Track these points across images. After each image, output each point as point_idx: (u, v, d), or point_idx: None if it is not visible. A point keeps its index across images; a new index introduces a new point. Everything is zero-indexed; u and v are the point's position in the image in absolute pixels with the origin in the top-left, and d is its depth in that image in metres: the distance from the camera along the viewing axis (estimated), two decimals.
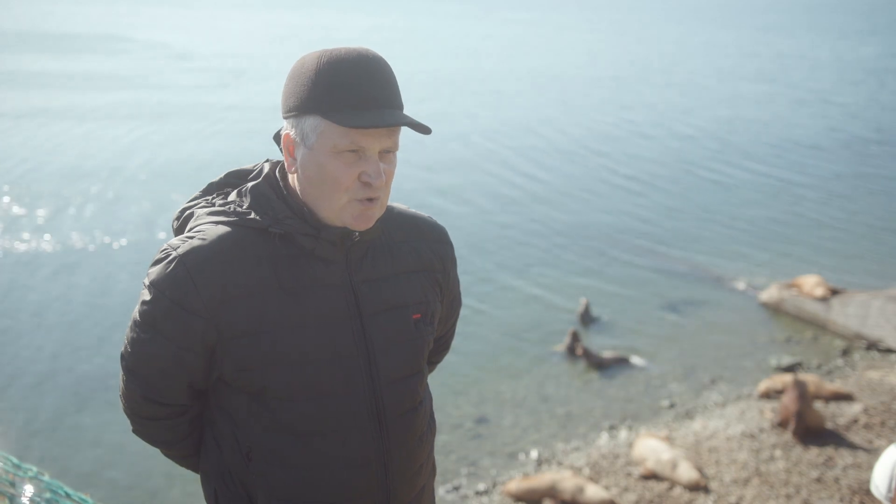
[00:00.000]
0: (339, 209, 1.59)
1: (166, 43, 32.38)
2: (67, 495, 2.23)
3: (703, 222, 11.94)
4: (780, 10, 65.01)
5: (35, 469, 2.28)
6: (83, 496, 2.28)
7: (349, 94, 1.52)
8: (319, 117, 1.54)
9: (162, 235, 10.60)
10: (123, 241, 10.53)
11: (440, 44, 35.19)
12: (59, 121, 17.35)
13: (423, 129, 1.56)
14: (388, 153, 1.59)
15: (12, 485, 2.18)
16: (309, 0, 62.02)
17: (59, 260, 9.90)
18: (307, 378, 1.61)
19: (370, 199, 1.58)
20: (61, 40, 31.47)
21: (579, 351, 7.80)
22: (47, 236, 10.59)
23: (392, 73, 1.60)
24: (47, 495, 2.20)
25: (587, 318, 8.70)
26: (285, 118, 1.62)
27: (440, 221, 1.89)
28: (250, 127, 17.24)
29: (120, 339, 8.51)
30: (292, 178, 1.65)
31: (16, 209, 11.59)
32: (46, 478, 2.27)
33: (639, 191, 13.51)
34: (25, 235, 10.62)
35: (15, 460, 2.31)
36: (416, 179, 13.35)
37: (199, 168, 13.75)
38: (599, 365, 7.74)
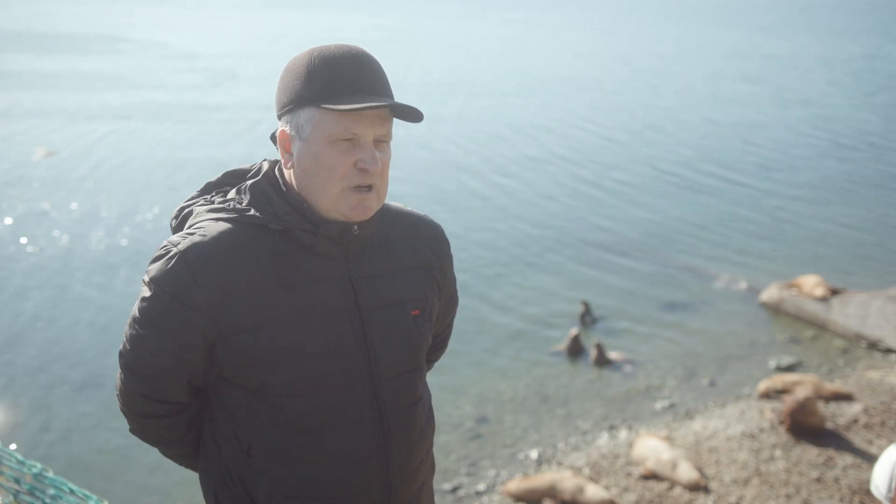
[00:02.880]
0: (336, 199, 1.60)
1: (163, 42, 32.37)
2: (72, 492, 2.23)
3: (703, 222, 11.93)
4: (779, 10, 65.03)
5: (39, 465, 2.28)
6: (87, 492, 2.29)
7: (341, 83, 1.56)
8: (313, 108, 1.57)
9: (161, 233, 10.60)
10: (124, 240, 10.52)
11: (437, 44, 35.17)
12: (58, 121, 17.34)
13: (415, 116, 1.58)
14: (383, 142, 1.61)
15: (17, 481, 2.19)
16: (307, 0, 61.96)
17: (62, 259, 9.90)
18: (307, 374, 1.61)
19: (367, 188, 1.60)
20: (57, 40, 31.44)
21: (594, 352, 7.79)
22: (47, 235, 10.59)
23: (381, 66, 1.63)
24: (52, 492, 2.20)
25: (587, 319, 8.70)
26: (280, 116, 1.64)
27: (437, 220, 1.90)
28: (248, 126, 17.24)
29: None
30: (289, 174, 1.66)
31: (16, 209, 11.59)
32: (50, 474, 2.28)
33: (639, 191, 13.51)
34: (26, 235, 10.62)
35: (19, 457, 2.31)
36: (414, 178, 13.35)
37: (196, 167, 13.74)
38: (607, 365, 7.74)
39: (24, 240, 10.49)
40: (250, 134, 16.67)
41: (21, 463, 2.27)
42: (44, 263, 9.80)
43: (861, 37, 42.39)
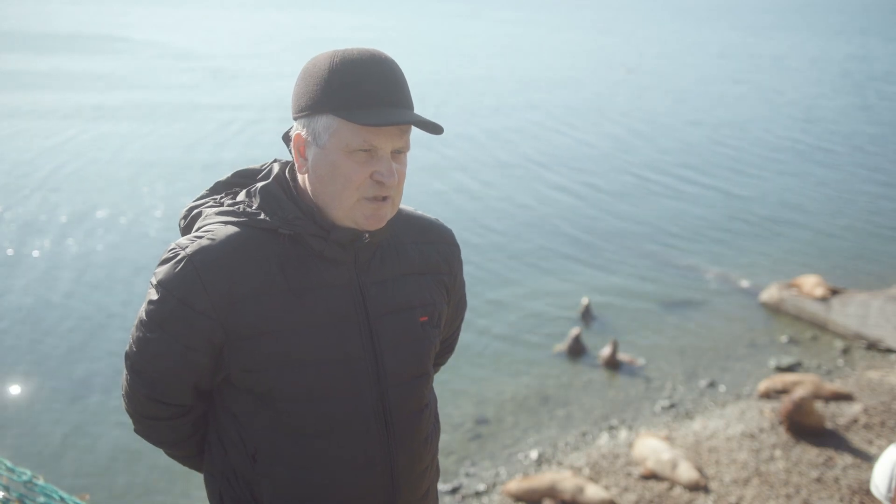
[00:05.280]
0: (350, 208, 1.58)
1: (157, 42, 32.28)
2: (62, 500, 2.22)
3: (703, 222, 11.94)
4: (776, 10, 64.99)
5: (29, 473, 2.27)
6: (77, 500, 2.28)
7: (362, 93, 1.53)
8: (332, 116, 1.54)
9: (161, 233, 10.60)
10: (121, 241, 10.52)
11: (430, 44, 35.10)
12: (57, 121, 17.33)
13: (435, 129, 1.56)
14: (400, 153, 1.59)
15: (6, 489, 2.18)
16: (301, 1, 61.81)
17: (57, 260, 9.89)
18: (314, 379, 1.61)
19: (382, 198, 1.59)
20: (51, 40, 31.39)
21: (609, 349, 7.74)
22: (45, 235, 10.58)
23: (402, 73, 1.60)
24: (42, 499, 2.19)
25: (588, 318, 8.70)
26: (296, 118, 1.62)
27: (442, 222, 1.89)
28: (245, 127, 17.23)
29: (119, 338, 8.45)
30: (302, 179, 1.65)
31: (16, 210, 11.58)
32: (41, 482, 2.26)
33: (638, 191, 13.51)
34: (20, 235, 10.61)
35: (8, 464, 2.30)
36: (412, 179, 13.34)
37: (194, 168, 13.74)
38: (609, 365, 7.72)
39: (18, 241, 10.48)
40: (245, 135, 16.65)
41: (10, 470, 2.25)
42: (35, 265, 9.79)
43: (856, 37, 42.36)
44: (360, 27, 41.32)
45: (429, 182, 13.41)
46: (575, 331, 8.02)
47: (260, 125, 17.27)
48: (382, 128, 1.53)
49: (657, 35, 41.63)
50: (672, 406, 7.12)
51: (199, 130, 16.81)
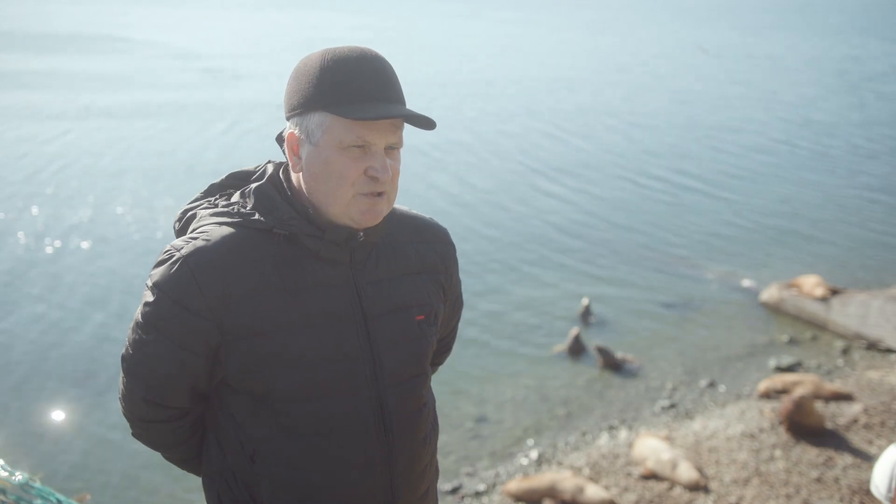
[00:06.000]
0: (346, 205, 1.58)
1: (157, 42, 32.29)
2: (59, 502, 2.21)
3: (702, 223, 11.93)
4: (778, 10, 64.96)
5: (26, 475, 2.26)
6: (74, 502, 2.27)
7: (354, 89, 1.53)
8: (325, 113, 1.54)
9: (158, 235, 10.59)
10: (118, 241, 10.51)
11: (429, 45, 35.08)
12: (54, 121, 17.32)
13: (427, 124, 1.56)
14: (393, 150, 1.60)
15: (3, 492, 2.17)
16: (299, 0, 61.77)
17: (51, 260, 9.88)
18: (311, 379, 1.60)
19: (378, 194, 1.58)
20: (49, 40, 31.39)
21: (599, 357, 7.73)
22: (41, 236, 10.58)
23: (393, 70, 1.61)
24: (38, 502, 2.18)
25: (588, 318, 8.70)
26: (289, 117, 1.62)
27: (440, 221, 1.89)
28: (243, 126, 17.23)
29: (114, 338, 8.41)
30: (297, 178, 1.64)
31: (11, 211, 11.58)
32: (37, 484, 2.26)
33: (638, 191, 13.51)
34: (20, 235, 10.60)
35: (5, 466, 2.29)
36: (413, 179, 13.34)
37: (194, 168, 13.74)
38: (613, 365, 7.70)
39: (11, 241, 10.47)
40: (243, 134, 16.65)
41: (7, 472, 2.25)
42: (30, 264, 9.79)
43: (855, 37, 42.35)
44: (360, 27, 41.30)
45: (429, 183, 13.40)
46: (575, 331, 8.02)
47: (259, 125, 17.25)
48: (375, 123, 1.53)
49: (657, 35, 41.62)
50: (672, 406, 7.12)
51: (195, 130, 16.80)
